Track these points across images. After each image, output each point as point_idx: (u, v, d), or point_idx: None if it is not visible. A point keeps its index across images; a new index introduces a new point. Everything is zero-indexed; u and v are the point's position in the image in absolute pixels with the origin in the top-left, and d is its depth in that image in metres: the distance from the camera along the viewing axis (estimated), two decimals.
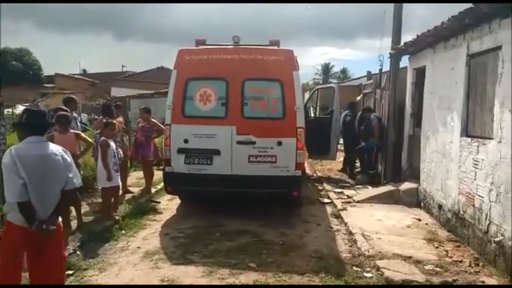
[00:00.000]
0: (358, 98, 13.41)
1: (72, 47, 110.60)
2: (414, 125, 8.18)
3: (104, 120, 6.84)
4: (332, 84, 10.23)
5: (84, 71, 43.76)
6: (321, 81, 51.57)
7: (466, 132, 5.61)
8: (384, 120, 9.11)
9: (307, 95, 12.73)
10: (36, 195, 3.11)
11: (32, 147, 3.19)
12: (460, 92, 5.72)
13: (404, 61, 8.72)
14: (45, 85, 36.71)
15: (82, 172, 6.08)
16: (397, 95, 8.65)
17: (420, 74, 7.81)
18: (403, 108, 8.58)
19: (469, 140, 5.41)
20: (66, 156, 3.31)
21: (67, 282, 4.17)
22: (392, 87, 8.71)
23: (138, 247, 5.26)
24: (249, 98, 6.30)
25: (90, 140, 6.07)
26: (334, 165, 11.41)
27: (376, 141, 9.08)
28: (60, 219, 3.34)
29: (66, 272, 4.33)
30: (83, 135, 5.90)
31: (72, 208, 5.68)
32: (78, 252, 4.99)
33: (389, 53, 8.78)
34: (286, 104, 6.23)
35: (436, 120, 6.67)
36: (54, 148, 3.29)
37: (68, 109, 6.44)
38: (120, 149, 6.95)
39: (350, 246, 5.38)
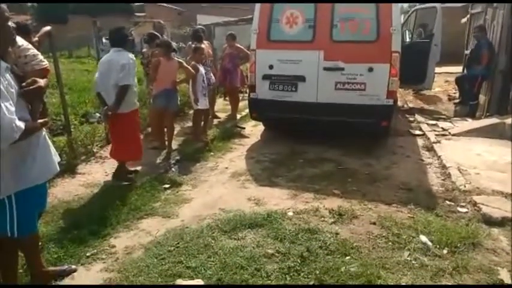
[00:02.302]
0: (464, 20, 11.83)
1: None
2: None
3: (193, 45, 6.95)
4: (435, 4, 8.99)
5: None
6: (416, 4, 46.34)
7: None
8: (494, 44, 7.97)
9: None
10: (102, 87, 4.47)
11: (108, 55, 4.49)
12: None
13: None
14: (136, 14, 38.23)
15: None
16: None
17: None
18: None
19: None
20: (122, 61, 4.28)
21: (164, 195, 4.60)
22: (509, 5, 7.44)
23: (226, 167, 5.53)
24: (339, 19, 5.84)
25: (192, 70, 5.96)
26: (429, 95, 10.54)
27: (482, 68, 8.07)
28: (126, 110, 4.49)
29: (164, 186, 4.81)
30: (185, 64, 5.90)
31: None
32: (173, 169, 5.44)
33: None
34: (381, 24, 5.65)
35: None
36: (119, 56, 4.36)
37: (158, 34, 6.65)
38: (211, 74, 7.08)
39: (443, 180, 5.02)
